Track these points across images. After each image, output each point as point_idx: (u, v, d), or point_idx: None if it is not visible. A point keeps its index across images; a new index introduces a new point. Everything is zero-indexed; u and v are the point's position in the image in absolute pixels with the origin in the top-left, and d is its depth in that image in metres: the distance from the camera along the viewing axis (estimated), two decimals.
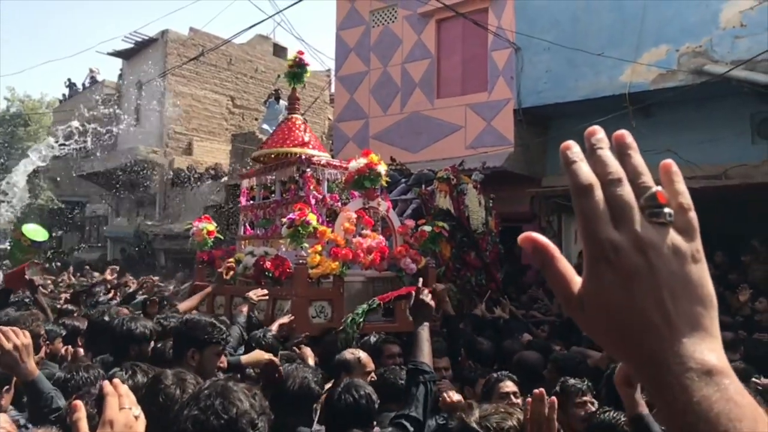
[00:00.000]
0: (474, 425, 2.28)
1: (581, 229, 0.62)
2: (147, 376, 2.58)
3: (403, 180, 8.95)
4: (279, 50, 25.25)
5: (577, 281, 0.64)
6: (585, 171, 0.62)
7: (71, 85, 28.05)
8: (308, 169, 6.22)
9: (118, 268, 9.45)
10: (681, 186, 0.64)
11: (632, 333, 0.61)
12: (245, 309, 4.95)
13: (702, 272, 0.62)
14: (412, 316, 3.44)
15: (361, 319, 5.15)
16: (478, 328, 6.07)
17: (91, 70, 26.51)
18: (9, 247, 6.33)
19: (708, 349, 0.59)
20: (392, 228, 6.39)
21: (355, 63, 13.86)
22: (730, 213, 9.15)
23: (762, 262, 8.85)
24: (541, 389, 2.20)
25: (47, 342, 4.11)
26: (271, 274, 5.70)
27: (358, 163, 5.86)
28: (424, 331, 3.14)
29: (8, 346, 2.60)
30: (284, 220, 5.67)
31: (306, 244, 5.62)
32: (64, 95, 28.85)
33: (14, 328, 2.70)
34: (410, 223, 6.40)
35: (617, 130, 0.64)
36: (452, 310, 6.18)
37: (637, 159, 0.63)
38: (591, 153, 0.64)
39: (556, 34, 10.24)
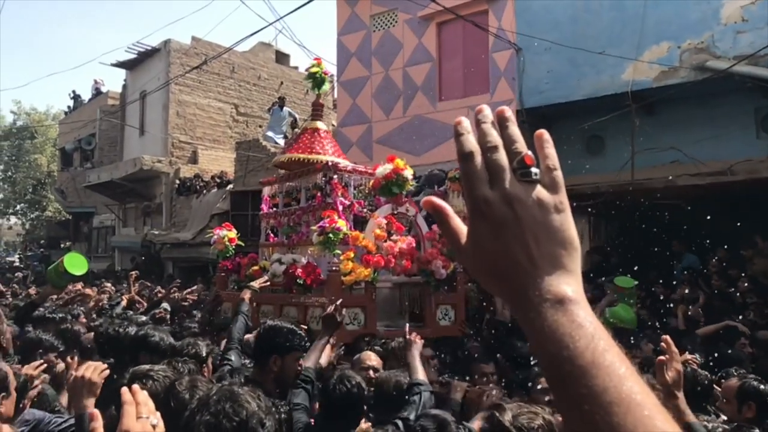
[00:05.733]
0: (507, 424, 2.42)
1: (464, 189, 0.74)
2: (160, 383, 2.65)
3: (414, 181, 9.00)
4: (281, 57, 25.35)
5: (465, 235, 0.75)
6: (469, 141, 0.74)
7: (76, 97, 28.19)
8: (335, 176, 6.17)
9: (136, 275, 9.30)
10: (550, 151, 0.75)
11: (504, 272, 0.71)
12: (247, 296, 4.91)
13: (563, 220, 0.72)
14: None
15: None
16: (508, 331, 6.09)
17: (96, 82, 26.63)
18: (49, 266, 6.45)
19: (565, 283, 0.69)
20: (420, 233, 6.36)
21: (357, 68, 13.88)
22: (736, 209, 9.19)
23: (765, 256, 8.88)
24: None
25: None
26: (302, 282, 5.66)
27: (384, 169, 5.87)
28: (413, 358, 3.81)
29: (77, 373, 2.64)
30: (314, 228, 5.63)
31: (338, 251, 5.57)
32: (69, 107, 28.96)
33: (98, 364, 2.70)
34: (437, 228, 6.42)
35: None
36: (508, 318, 6.21)
37: (513, 129, 0.74)
38: (477, 126, 0.75)
39: (557, 34, 10.20)
